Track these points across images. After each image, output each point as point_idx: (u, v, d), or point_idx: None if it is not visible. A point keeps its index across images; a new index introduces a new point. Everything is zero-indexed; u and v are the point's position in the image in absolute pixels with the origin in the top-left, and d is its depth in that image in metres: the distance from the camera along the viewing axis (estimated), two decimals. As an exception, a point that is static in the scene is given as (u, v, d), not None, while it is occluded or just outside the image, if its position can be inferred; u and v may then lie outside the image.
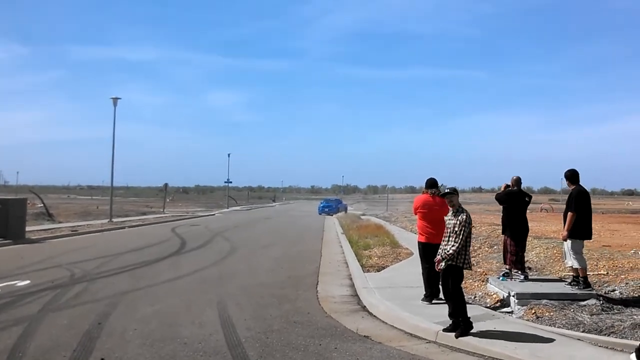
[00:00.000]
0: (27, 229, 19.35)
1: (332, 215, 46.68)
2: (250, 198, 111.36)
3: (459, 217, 6.52)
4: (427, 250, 8.13)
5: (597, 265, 10.47)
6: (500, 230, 10.37)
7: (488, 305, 8.32)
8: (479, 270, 11.19)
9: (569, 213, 8.22)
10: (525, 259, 9.81)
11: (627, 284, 9.02)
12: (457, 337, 6.23)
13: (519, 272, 9.08)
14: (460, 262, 6.43)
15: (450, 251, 6.38)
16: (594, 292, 8.05)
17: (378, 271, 11.81)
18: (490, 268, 11.52)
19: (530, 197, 9.65)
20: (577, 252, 8.25)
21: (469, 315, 6.45)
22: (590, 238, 8.52)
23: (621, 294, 8.53)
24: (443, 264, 6.45)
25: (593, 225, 8.67)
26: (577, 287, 8.09)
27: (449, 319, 6.51)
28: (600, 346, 5.89)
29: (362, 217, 40.17)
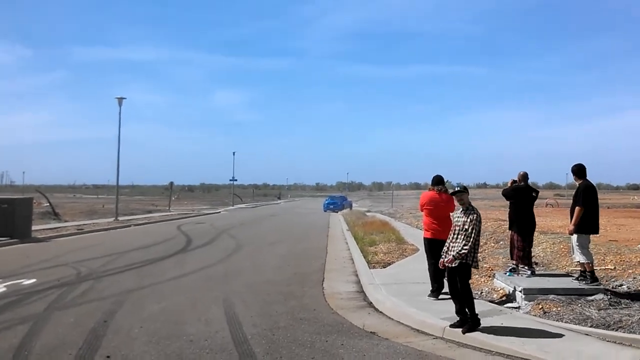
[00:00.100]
0: (34, 228, 19.41)
1: (337, 212, 46.67)
2: (256, 196, 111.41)
3: (470, 216, 6.48)
4: (433, 246, 8.17)
5: (604, 260, 10.42)
6: (506, 226, 10.33)
7: (495, 300, 8.29)
8: (485, 265, 11.14)
9: (577, 208, 8.16)
10: (532, 254, 9.75)
11: (634, 278, 8.97)
12: (464, 332, 6.20)
13: (526, 267, 9.04)
14: (469, 260, 6.41)
15: (464, 251, 6.35)
16: (601, 286, 8.00)
17: (384, 267, 11.78)
18: (497, 264, 11.48)
19: (538, 192, 9.60)
20: (584, 247, 8.20)
21: (476, 312, 6.42)
22: (597, 232, 8.46)
23: (629, 288, 8.49)
24: (457, 262, 6.40)
25: (599, 220, 8.62)
26: (584, 282, 8.04)
27: (455, 315, 6.48)
28: (608, 341, 5.84)
29: (368, 213, 40.15)
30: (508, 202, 9.57)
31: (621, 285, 8.70)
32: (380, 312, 7.83)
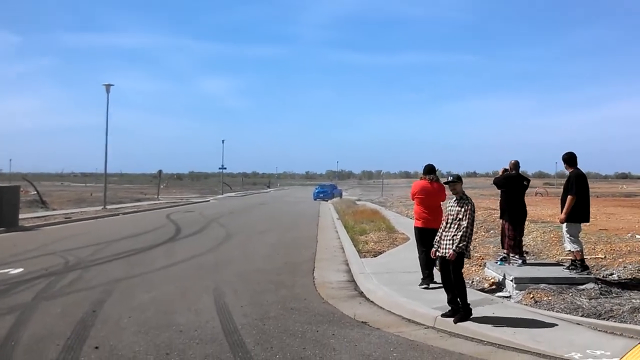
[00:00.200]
0: (21, 216, 19.17)
1: (327, 200, 46.65)
2: (245, 184, 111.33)
3: (465, 206, 6.44)
4: (424, 235, 8.17)
5: (594, 249, 10.46)
6: (496, 215, 10.32)
7: (486, 289, 8.28)
8: (476, 255, 11.13)
9: (569, 196, 8.13)
10: (523, 243, 9.76)
11: (625, 267, 9.01)
12: (455, 322, 6.18)
13: (517, 256, 9.04)
14: (463, 250, 6.37)
15: (463, 244, 6.29)
16: (592, 275, 8.02)
17: (375, 256, 11.76)
18: (487, 252, 11.49)
19: (529, 180, 9.59)
20: (574, 235, 8.20)
21: (468, 302, 6.40)
22: (587, 221, 8.46)
23: (619, 277, 8.52)
24: (455, 255, 6.32)
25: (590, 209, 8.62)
26: (575, 271, 8.04)
27: (447, 304, 6.45)
28: (599, 330, 5.85)
29: (358, 202, 40.15)
30: (499, 191, 9.56)
31: (612, 274, 8.73)
32: (371, 301, 7.80)
